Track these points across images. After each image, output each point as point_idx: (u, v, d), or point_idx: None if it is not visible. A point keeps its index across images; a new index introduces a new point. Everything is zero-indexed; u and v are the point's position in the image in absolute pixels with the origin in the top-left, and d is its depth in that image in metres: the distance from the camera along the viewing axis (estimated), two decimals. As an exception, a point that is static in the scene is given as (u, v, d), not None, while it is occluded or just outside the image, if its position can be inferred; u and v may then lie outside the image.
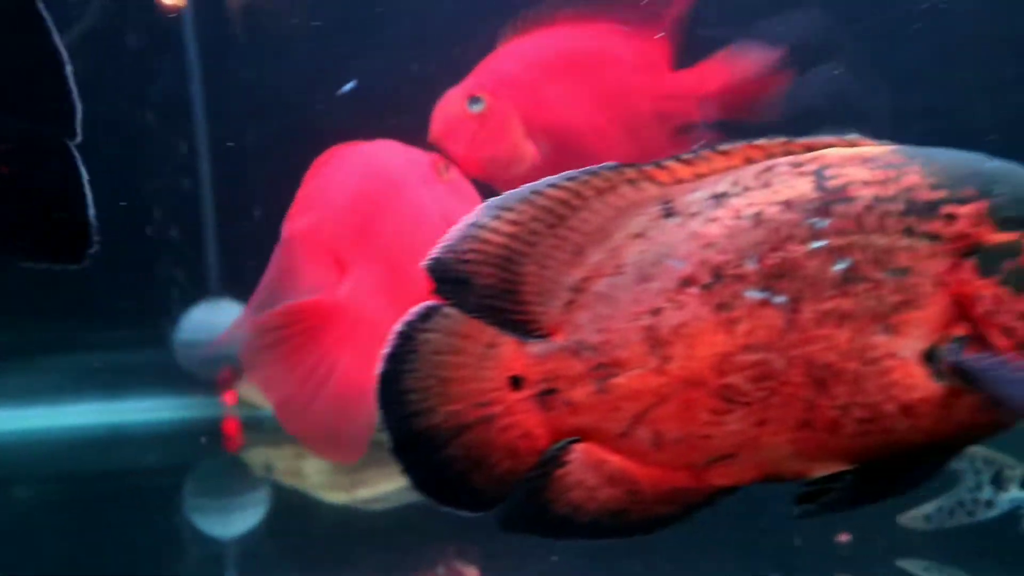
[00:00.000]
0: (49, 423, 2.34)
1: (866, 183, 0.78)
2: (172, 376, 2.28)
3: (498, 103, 1.61)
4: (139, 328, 2.36)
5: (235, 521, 2.08)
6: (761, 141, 0.82)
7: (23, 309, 2.23)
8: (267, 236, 2.14)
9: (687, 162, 0.83)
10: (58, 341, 2.31)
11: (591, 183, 0.85)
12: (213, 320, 2.26)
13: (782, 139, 0.82)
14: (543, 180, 0.85)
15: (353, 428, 1.54)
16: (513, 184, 1.61)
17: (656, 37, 1.62)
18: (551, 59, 1.64)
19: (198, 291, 2.33)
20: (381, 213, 1.65)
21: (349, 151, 1.68)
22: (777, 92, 1.60)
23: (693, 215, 0.83)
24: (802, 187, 0.80)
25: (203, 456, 2.29)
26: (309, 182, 1.65)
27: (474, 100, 1.61)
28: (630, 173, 0.84)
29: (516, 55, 1.66)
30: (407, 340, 0.86)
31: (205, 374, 2.27)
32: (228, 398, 2.27)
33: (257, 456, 2.31)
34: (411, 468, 0.86)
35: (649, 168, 0.84)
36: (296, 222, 1.64)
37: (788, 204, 0.80)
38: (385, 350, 0.85)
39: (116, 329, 2.34)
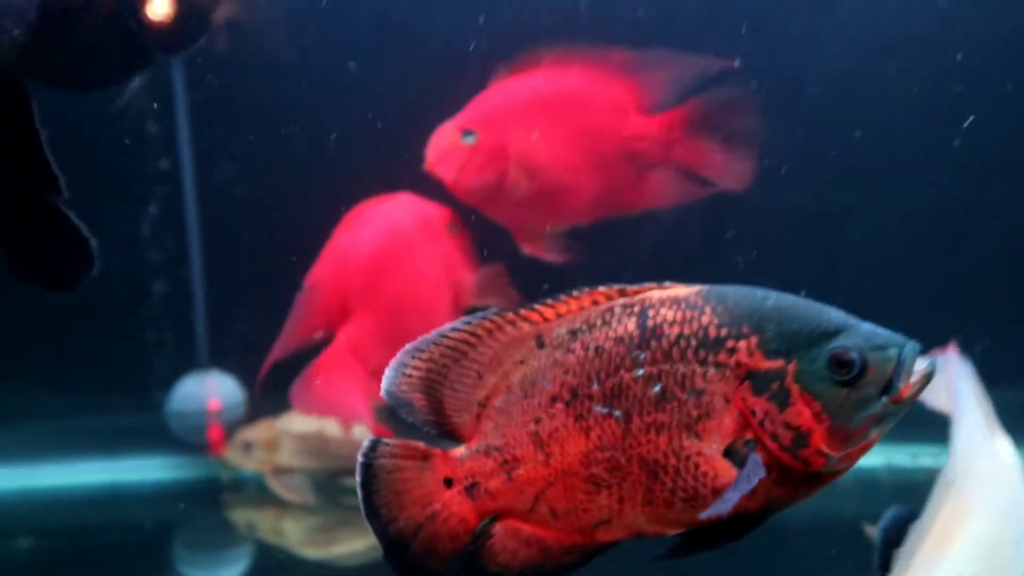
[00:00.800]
0: (51, 481, 2.43)
1: (673, 323, 1.05)
2: (164, 438, 2.43)
3: (488, 137, 1.83)
4: (134, 394, 2.49)
5: (221, 573, 2.24)
6: (603, 288, 1.09)
7: (28, 375, 2.39)
8: (254, 308, 2.33)
9: (552, 306, 1.10)
10: (60, 406, 2.42)
11: (483, 325, 1.11)
12: (201, 391, 2.40)
13: (619, 287, 1.09)
14: (447, 325, 1.11)
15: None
16: (499, 210, 1.84)
17: (628, 83, 1.88)
18: (535, 100, 1.87)
19: (187, 361, 2.45)
20: (388, 269, 1.90)
21: (371, 207, 1.95)
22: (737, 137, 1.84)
23: (557, 347, 1.09)
24: (630, 326, 1.07)
25: (192, 514, 2.41)
26: (336, 235, 1.93)
27: (467, 133, 1.84)
28: (511, 316, 1.10)
29: (505, 95, 1.88)
30: (367, 468, 1.12)
31: (194, 440, 2.40)
32: (215, 447, 2.38)
33: (241, 516, 2.45)
34: (395, 565, 1.12)
35: (525, 311, 1.10)
36: (316, 272, 1.89)
37: (619, 340, 1.07)
38: (357, 478, 1.12)
39: (113, 395, 2.48)
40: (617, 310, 1.07)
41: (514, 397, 1.11)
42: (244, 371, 2.43)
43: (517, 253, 1.92)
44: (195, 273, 2.43)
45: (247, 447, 2.33)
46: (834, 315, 1.03)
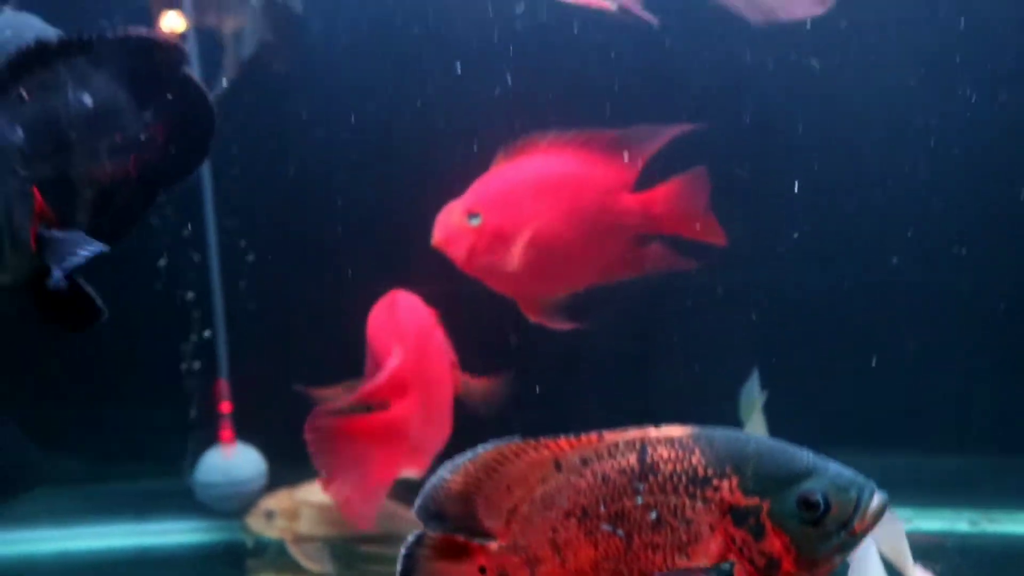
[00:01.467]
0: (81, 545, 2.53)
1: (667, 460, 1.26)
2: (190, 503, 2.54)
3: (492, 218, 2.03)
4: (162, 461, 2.62)
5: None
6: (614, 431, 1.29)
7: (59, 442, 2.49)
8: (276, 383, 2.44)
9: (569, 441, 1.30)
10: (89, 472, 2.53)
11: (510, 447, 1.32)
12: (226, 463, 2.51)
13: (625, 429, 1.29)
14: (481, 446, 1.33)
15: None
16: (504, 283, 2.00)
17: (618, 163, 2.08)
18: (533, 181, 2.06)
19: (213, 432, 2.56)
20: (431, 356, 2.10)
21: (394, 300, 2.14)
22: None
23: (571, 471, 1.30)
24: (631, 460, 1.27)
25: (218, 577, 2.52)
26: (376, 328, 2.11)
27: (472, 215, 2.03)
28: (534, 443, 1.31)
29: (505, 179, 2.08)
30: (410, 558, 1.33)
31: (220, 508, 2.51)
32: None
33: (264, 581, 2.61)
34: None
35: (545, 440, 1.30)
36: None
37: (622, 471, 1.27)
38: (398, 568, 1.34)
39: (141, 462, 2.61)
40: (621, 445, 1.28)
41: (536, 508, 1.31)
42: (266, 441, 2.55)
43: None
44: (220, 349, 2.54)
45: (269, 515, 2.43)
46: (805, 458, 1.23)
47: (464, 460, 1.33)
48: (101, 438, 2.37)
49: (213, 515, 2.54)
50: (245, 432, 2.55)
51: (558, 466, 1.30)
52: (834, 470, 1.22)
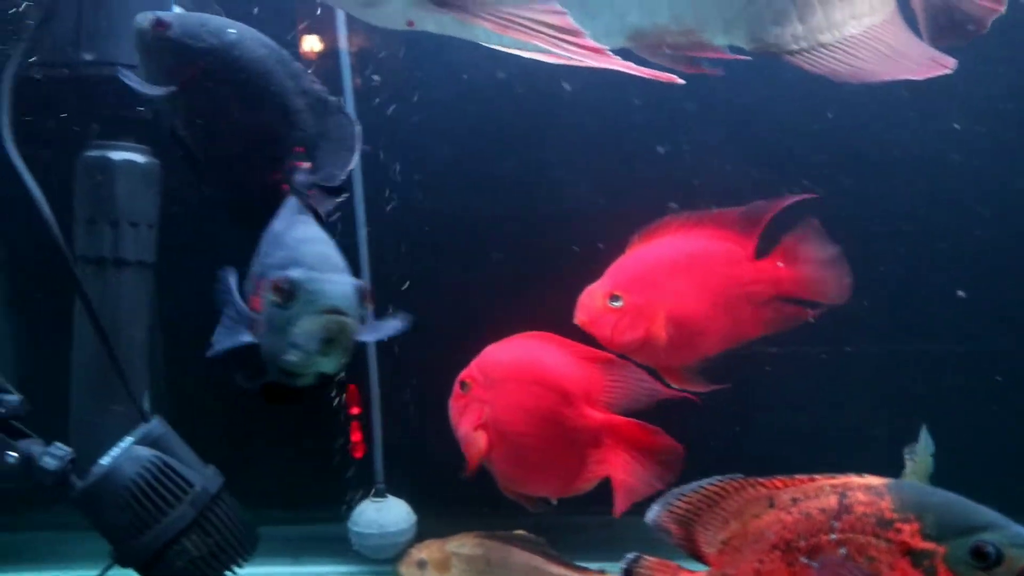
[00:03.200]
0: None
1: (861, 503, 1.41)
2: (346, 547, 2.69)
3: (632, 299, 2.26)
4: (320, 509, 2.80)
5: None
6: (825, 475, 1.47)
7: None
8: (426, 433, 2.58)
9: (784, 480, 1.48)
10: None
11: (731, 484, 1.50)
12: (380, 517, 2.66)
13: (828, 475, 1.47)
14: (707, 479, 1.51)
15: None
16: (645, 356, 2.26)
17: (740, 236, 2.31)
18: (667, 261, 2.29)
19: (367, 484, 2.72)
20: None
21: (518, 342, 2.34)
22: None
23: (781, 508, 1.46)
24: (832, 501, 1.43)
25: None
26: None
27: (614, 297, 2.27)
28: (752, 481, 1.49)
29: (641, 259, 2.32)
30: (628, 574, 1.54)
31: (375, 557, 2.67)
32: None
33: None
34: None
35: (763, 480, 1.48)
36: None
37: (822, 510, 1.43)
38: None
39: (298, 506, 2.80)
40: (827, 488, 1.46)
41: (747, 540, 1.48)
42: (414, 494, 2.73)
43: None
44: (374, 399, 2.70)
45: (421, 565, 2.54)
46: (985, 513, 1.37)
47: (691, 489, 1.52)
48: (258, 481, 2.39)
49: (367, 561, 2.69)
50: (393, 484, 2.71)
51: (771, 503, 1.46)
52: (1013, 528, 1.33)
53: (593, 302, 2.28)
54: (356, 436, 2.62)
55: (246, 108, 2.02)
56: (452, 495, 2.50)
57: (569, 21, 1.71)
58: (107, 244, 2.38)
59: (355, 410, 2.60)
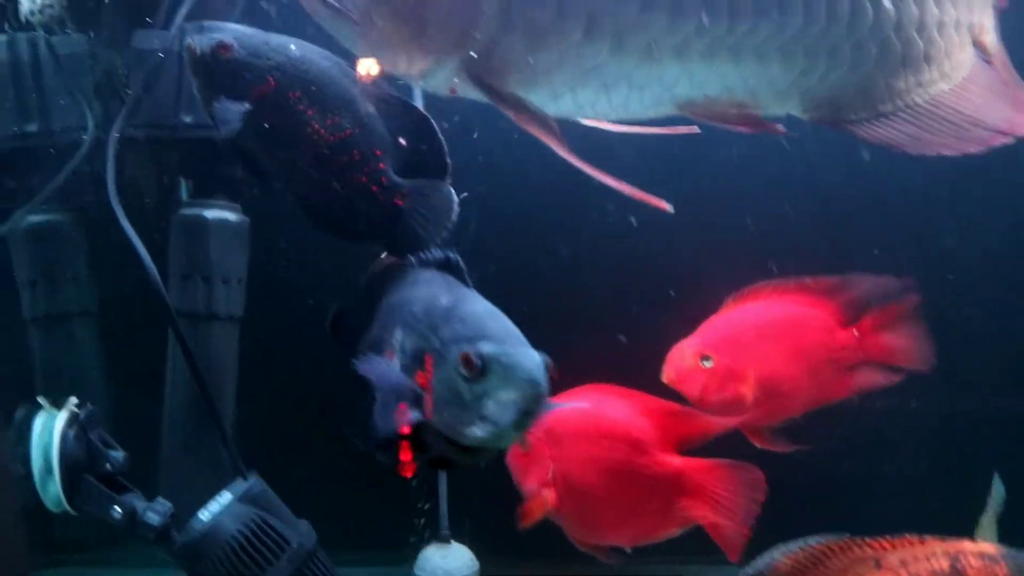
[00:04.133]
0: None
1: (975, 569, 1.41)
2: None
3: (723, 361, 2.30)
4: (387, 551, 2.82)
5: None
6: (935, 538, 1.46)
7: None
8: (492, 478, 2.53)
9: (891, 541, 1.47)
10: None
11: (838, 543, 1.49)
12: (444, 563, 2.65)
13: (940, 537, 1.47)
14: (811, 536, 1.50)
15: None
16: (731, 415, 2.29)
17: (830, 303, 2.36)
18: (760, 325, 2.34)
19: (432, 527, 2.72)
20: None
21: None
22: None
23: (888, 570, 1.44)
24: (944, 565, 1.42)
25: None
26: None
27: (705, 358, 2.31)
28: (859, 541, 1.48)
29: (734, 322, 2.36)
30: None
31: None
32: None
33: None
34: None
35: (868, 540, 1.47)
36: None
37: (933, 573, 1.42)
38: None
39: (365, 548, 2.81)
40: (938, 551, 1.45)
41: None
42: (476, 541, 2.72)
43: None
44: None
45: None
46: None
47: (795, 546, 1.50)
48: (324, 523, 2.35)
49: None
50: (457, 531, 2.71)
51: (877, 564, 1.44)
52: None
53: (683, 360, 2.32)
54: (405, 455, 2.57)
55: (320, 116, 2.04)
56: (516, 541, 2.47)
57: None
58: (200, 299, 2.44)
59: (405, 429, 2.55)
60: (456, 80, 1.88)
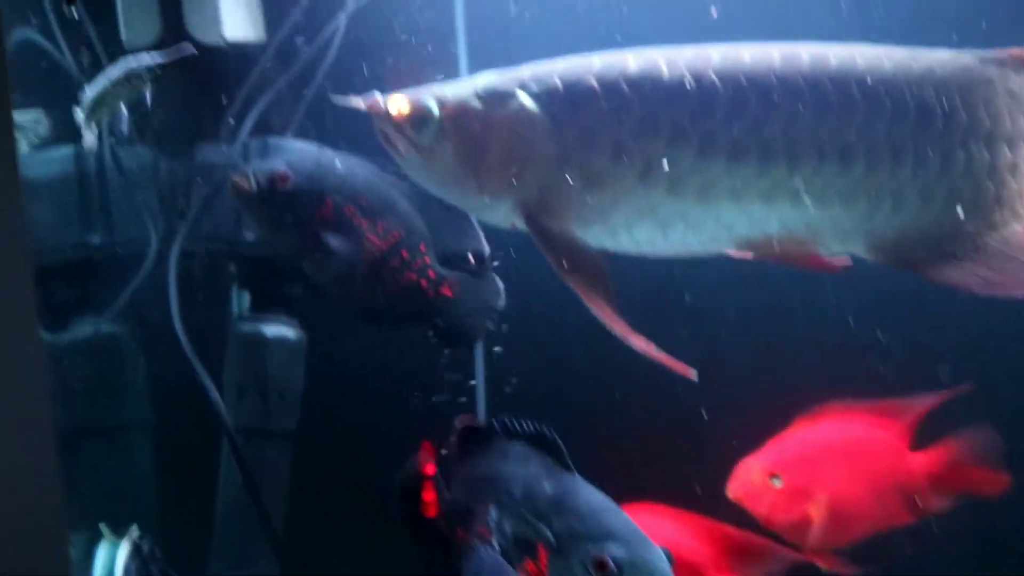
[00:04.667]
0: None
1: None
2: None
3: (793, 481, 2.27)
4: None
5: None
6: None
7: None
8: None
9: None
10: None
11: None
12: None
13: None
14: None
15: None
16: (798, 537, 2.24)
17: (899, 426, 2.32)
18: (830, 446, 2.31)
19: None
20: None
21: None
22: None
23: None
24: None
25: None
26: None
27: (774, 476, 2.27)
28: None
29: (803, 441, 2.33)
30: None
31: None
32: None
33: None
34: None
35: None
36: None
37: None
38: None
39: None
40: None
41: None
42: None
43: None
44: None
45: None
46: None
47: None
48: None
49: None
50: None
51: None
52: None
53: (751, 478, 2.30)
54: (429, 496, 2.45)
55: (372, 226, 2.11)
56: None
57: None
58: (255, 415, 2.42)
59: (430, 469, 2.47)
60: (514, 217, 1.94)
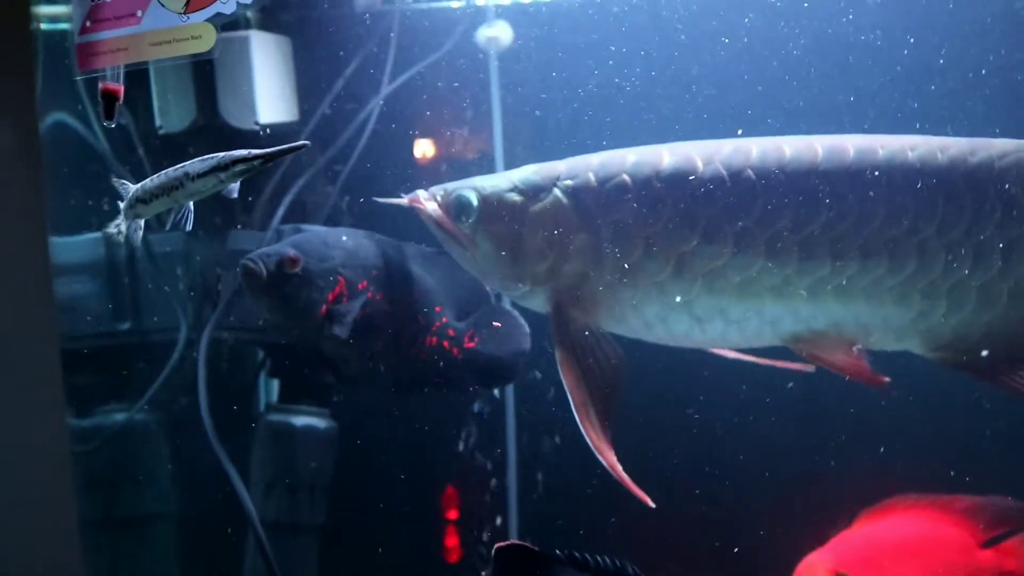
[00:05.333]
0: None
1: None
2: None
3: (856, 576, 2.14)
4: None
5: None
6: None
7: None
8: None
9: None
10: None
11: None
12: None
13: None
14: None
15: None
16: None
17: (969, 522, 2.18)
18: (896, 542, 2.17)
19: None
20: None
21: None
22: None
23: None
24: None
25: None
26: None
27: (839, 575, 2.14)
28: None
29: (868, 536, 2.19)
30: None
31: None
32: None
33: None
34: None
35: None
36: None
37: None
38: None
39: None
40: None
41: None
42: None
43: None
44: None
45: None
46: None
47: None
48: None
49: None
50: None
51: None
52: None
53: (814, 574, 2.17)
54: (452, 541, 2.54)
55: (387, 297, 2.13)
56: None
57: None
58: (283, 508, 2.35)
59: (452, 514, 2.53)
60: (547, 305, 1.96)
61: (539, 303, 1.98)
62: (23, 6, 2.10)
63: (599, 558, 1.69)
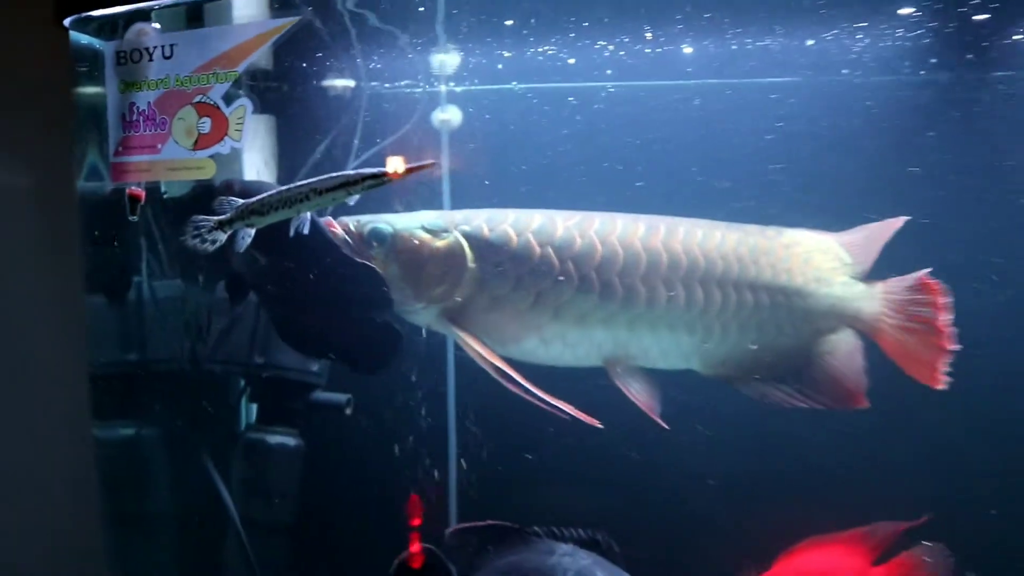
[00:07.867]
0: None
1: None
2: None
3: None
4: None
5: None
6: None
7: None
8: None
9: None
10: None
11: None
12: None
13: None
14: None
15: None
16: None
17: (863, 548, 2.50)
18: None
19: None
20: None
21: None
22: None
23: None
24: None
25: None
26: None
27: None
28: None
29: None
30: None
31: None
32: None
33: None
34: None
35: None
36: None
37: None
38: None
39: None
40: None
41: None
42: None
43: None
44: None
45: None
46: None
47: None
48: None
49: None
50: None
51: None
52: None
53: None
54: (415, 547, 2.60)
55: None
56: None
57: None
58: (260, 510, 2.84)
59: (416, 521, 2.64)
60: (436, 320, 2.50)
61: (429, 319, 2.51)
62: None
63: (577, 532, 2.22)
